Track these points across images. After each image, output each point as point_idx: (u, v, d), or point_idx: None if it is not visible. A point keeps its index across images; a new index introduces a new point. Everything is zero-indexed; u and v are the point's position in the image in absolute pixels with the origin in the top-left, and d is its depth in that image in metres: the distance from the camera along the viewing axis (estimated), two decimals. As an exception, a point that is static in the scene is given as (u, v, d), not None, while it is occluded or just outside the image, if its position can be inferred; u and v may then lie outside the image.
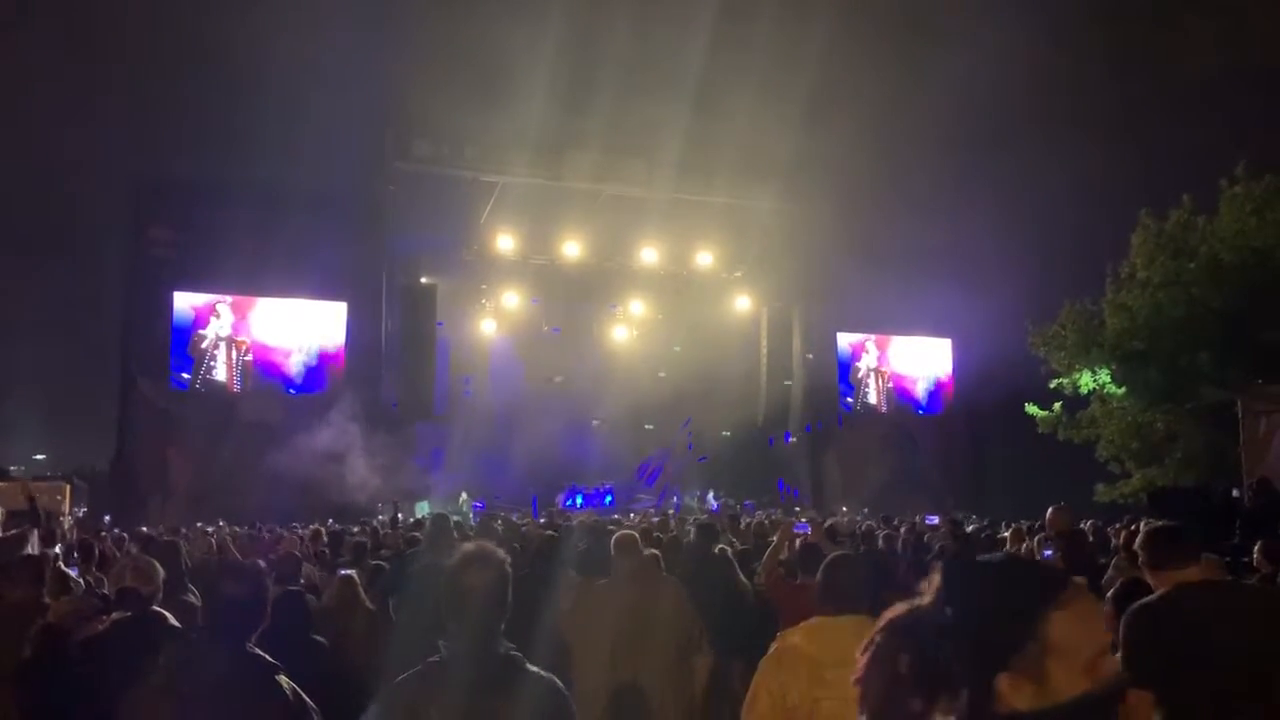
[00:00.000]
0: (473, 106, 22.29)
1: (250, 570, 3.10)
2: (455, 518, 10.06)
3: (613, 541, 5.54)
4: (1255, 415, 13.76)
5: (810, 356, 29.85)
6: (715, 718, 5.38)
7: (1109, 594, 4.04)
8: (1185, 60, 24.29)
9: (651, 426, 28.36)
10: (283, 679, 2.76)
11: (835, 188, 26.31)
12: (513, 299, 27.27)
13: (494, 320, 27.64)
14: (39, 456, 27.76)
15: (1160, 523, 3.84)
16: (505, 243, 25.96)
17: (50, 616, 4.43)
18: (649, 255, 27.04)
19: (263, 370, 25.57)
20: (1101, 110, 27.58)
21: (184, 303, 25.08)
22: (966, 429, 30.09)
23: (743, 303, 29.17)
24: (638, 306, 28.46)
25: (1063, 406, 19.76)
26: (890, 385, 31.52)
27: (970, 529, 11.88)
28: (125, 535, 12.77)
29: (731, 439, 28.22)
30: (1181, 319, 16.98)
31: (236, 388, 25.23)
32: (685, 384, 27.92)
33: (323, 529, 11.22)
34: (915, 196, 26.93)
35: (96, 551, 8.43)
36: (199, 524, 16.09)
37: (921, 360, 32.02)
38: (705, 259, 27.74)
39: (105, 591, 5.09)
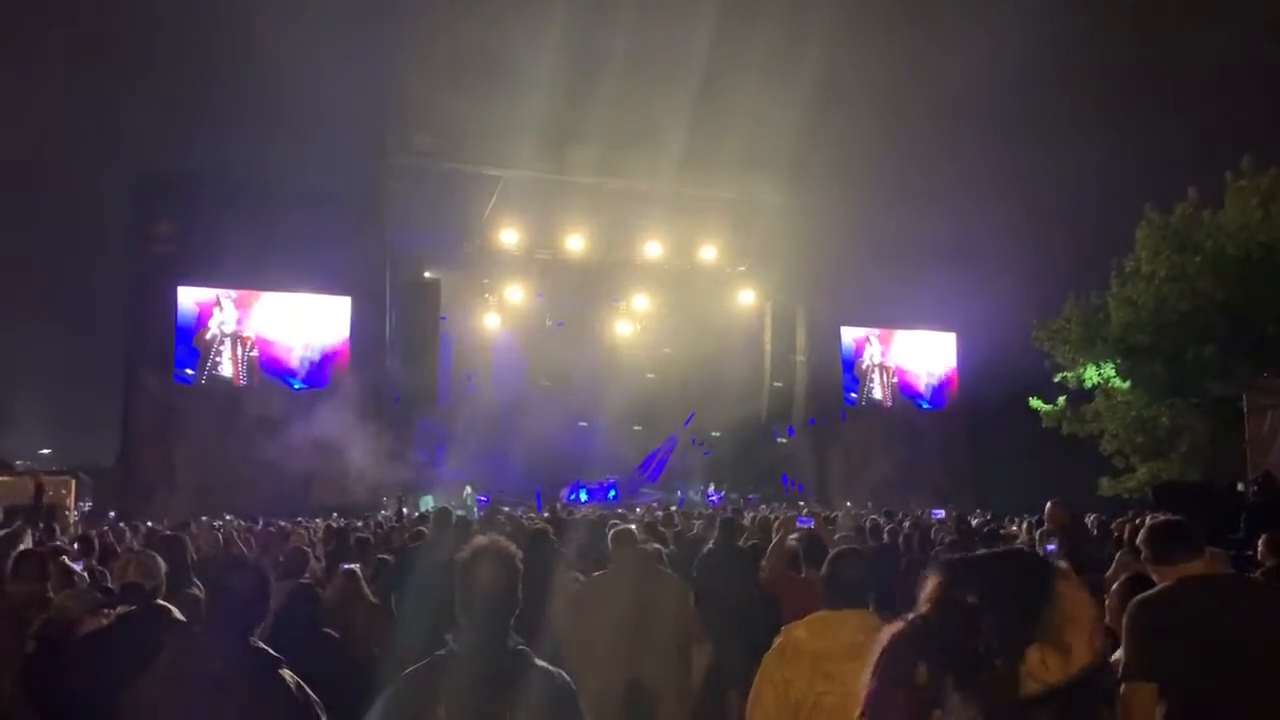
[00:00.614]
0: (475, 100, 22.23)
1: (253, 564, 3.09)
2: (459, 512, 10.06)
3: (610, 535, 5.52)
4: (1260, 409, 13.73)
5: (812, 352, 29.79)
6: (724, 711, 5.36)
7: (1113, 588, 4.03)
8: (1191, 53, 24.19)
9: (650, 424, 28.30)
10: (286, 672, 2.75)
11: (840, 182, 26.28)
12: (516, 293, 27.20)
13: (497, 315, 27.60)
14: (44, 451, 27.81)
15: (1164, 517, 3.83)
16: (508, 237, 25.90)
17: (53, 611, 4.44)
18: (653, 249, 26.96)
19: (267, 366, 25.60)
20: (1107, 104, 27.48)
21: (187, 298, 25.11)
22: (971, 423, 30.02)
23: (746, 296, 29.08)
24: (641, 301, 28.41)
25: (1067, 400, 19.76)
26: (894, 380, 31.47)
27: (974, 523, 11.89)
28: (127, 529, 12.77)
29: (735, 433, 28.18)
30: (1186, 313, 16.95)
31: (243, 383, 25.28)
32: (689, 378, 27.90)
33: (331, 524, 11.24)
34: (919, 190, 26.84)
35: (97, 544, 8.45)
36: (204, 518, 16.12)
37: (926, 355, 31.94)
38: (709, 253, 27.66)
39: (109, 585, 5.09)
